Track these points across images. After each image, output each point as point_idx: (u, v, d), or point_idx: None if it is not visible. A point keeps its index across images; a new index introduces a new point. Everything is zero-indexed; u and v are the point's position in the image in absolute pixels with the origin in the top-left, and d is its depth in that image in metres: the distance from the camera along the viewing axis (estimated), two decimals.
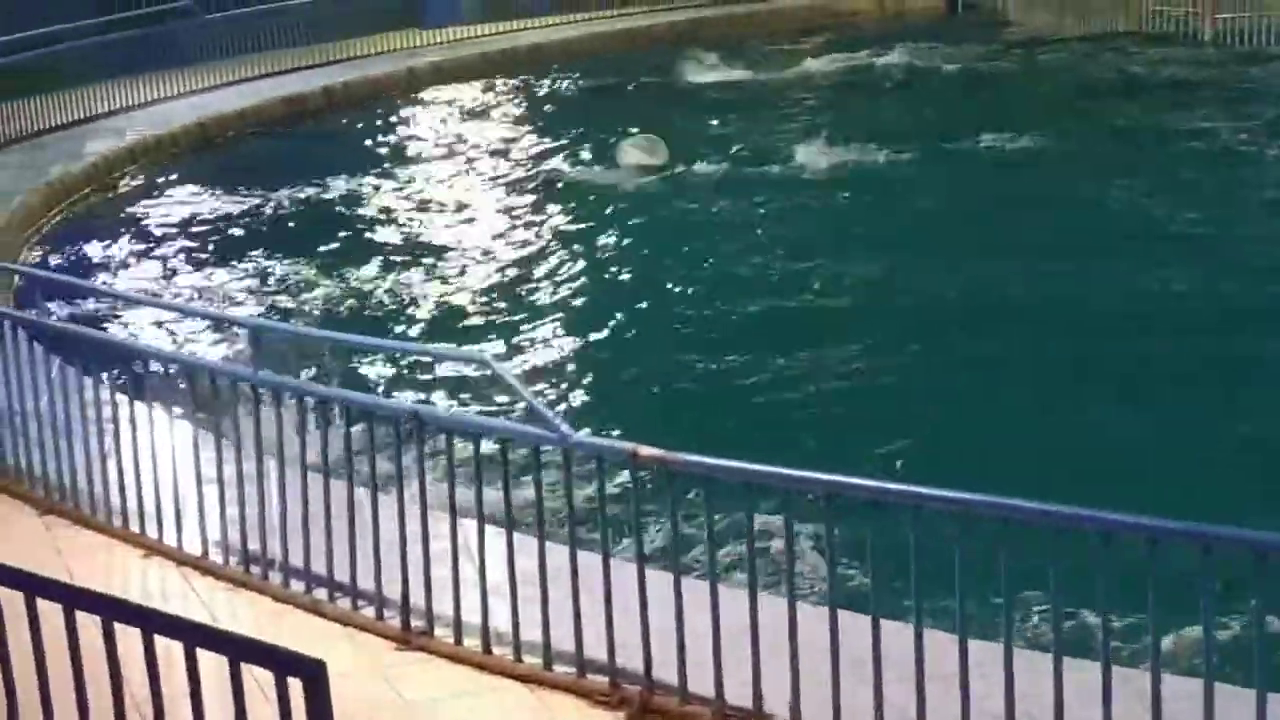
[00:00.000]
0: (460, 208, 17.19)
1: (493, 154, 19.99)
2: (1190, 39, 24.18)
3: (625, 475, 6.10)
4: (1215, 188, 16.21)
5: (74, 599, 4.01)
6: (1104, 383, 11.06)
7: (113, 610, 3.94)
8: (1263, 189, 16.05)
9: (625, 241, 15.22)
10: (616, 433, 10.16)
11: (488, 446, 6.29)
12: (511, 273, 14.48)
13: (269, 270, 14.97)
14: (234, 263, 15.30)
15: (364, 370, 11.46)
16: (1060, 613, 5.03)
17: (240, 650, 3.68)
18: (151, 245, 16.17)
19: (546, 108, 22.75)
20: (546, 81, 24.45)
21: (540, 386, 11.12)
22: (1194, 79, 21.96)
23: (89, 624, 3.98)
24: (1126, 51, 24.19)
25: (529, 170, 18.87)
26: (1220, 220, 14.90)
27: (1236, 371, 11.06)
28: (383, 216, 16.95)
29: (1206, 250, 13.96)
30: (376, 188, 18.34)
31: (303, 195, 18.00)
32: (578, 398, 11.07)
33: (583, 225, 15.99)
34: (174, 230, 16.74)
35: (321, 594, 6.79)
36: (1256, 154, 17.68)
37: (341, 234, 16.23)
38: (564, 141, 20.08)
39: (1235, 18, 23.91)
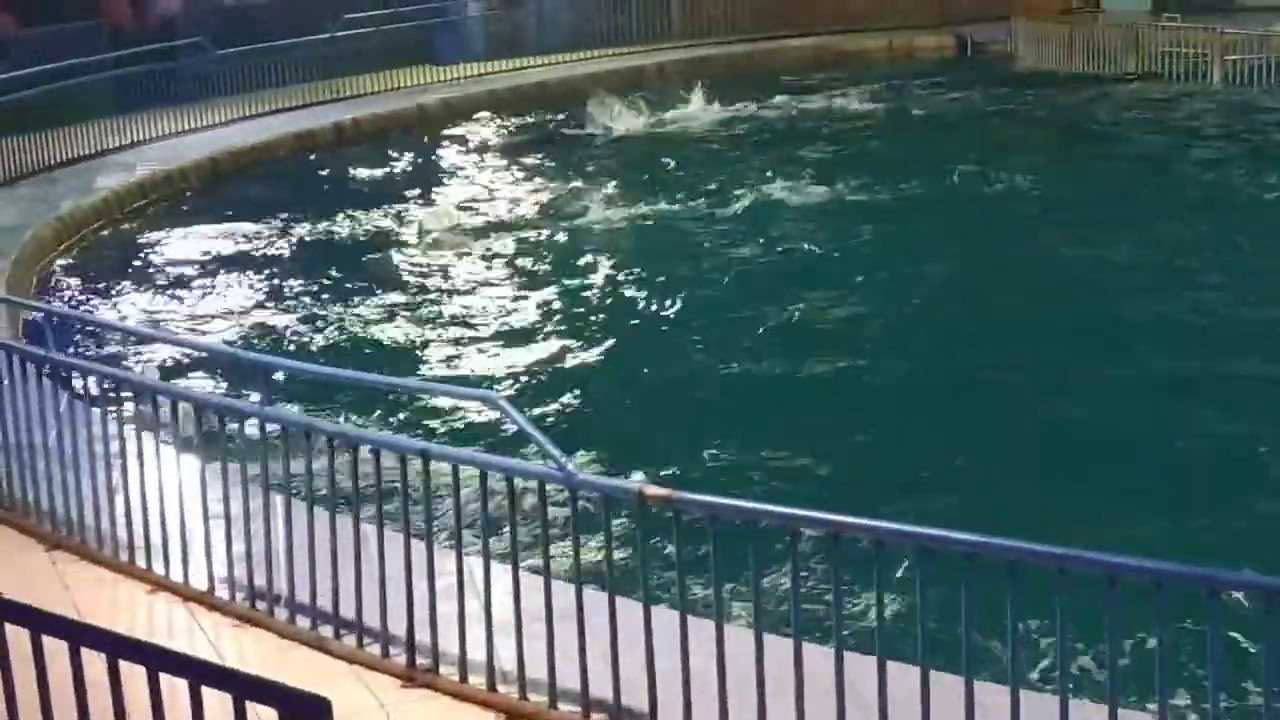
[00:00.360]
0: (466, 244, 17.20)
1: (497, 191, 20.06)
2: (1200, 80, 24.22)
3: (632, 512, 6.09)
4: (1214, 228, 16.22)
5: (79, 636, 4.01)
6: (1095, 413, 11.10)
7: (118, 647, 3.94)
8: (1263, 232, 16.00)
9: (625, 278, 15.22)
10: (609, 458, 10.26)
11: (494, 483, 6.28)
12: (515, 309, 14.49)
13: (278, 306, 15.00)
14: (243, 298, 15.35)
15: (371, 406, 11.47)
16: (1066, 656, 5.01)
17: (245, 688, 3.68)
18: (161, 280, 16.21)
19: (550, 145, 22.81)
20: (551, 119, 24.56)
21: (546, 422, 11.13)
22: (1200, 121, 22.02)
23: (94, 660, 3.98)
24: (1133, 92, 24.27)
25: (532, 206, 18.93)
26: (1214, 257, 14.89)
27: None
28: (391, 252, 16.97)
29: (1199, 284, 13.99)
30: (385, 223, 18.38)
31: (312, 230, 18.06)
32: (583, 434, 11.06)
33: (586, 262, 16.01)
34: (184, 265, 16.78)
35: (327, 631, 6.79)
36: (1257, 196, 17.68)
37: (350, 270, 16.26)
38: (567, 178, 20.17)
39: (1244, 59, 23.95)
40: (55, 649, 4.05)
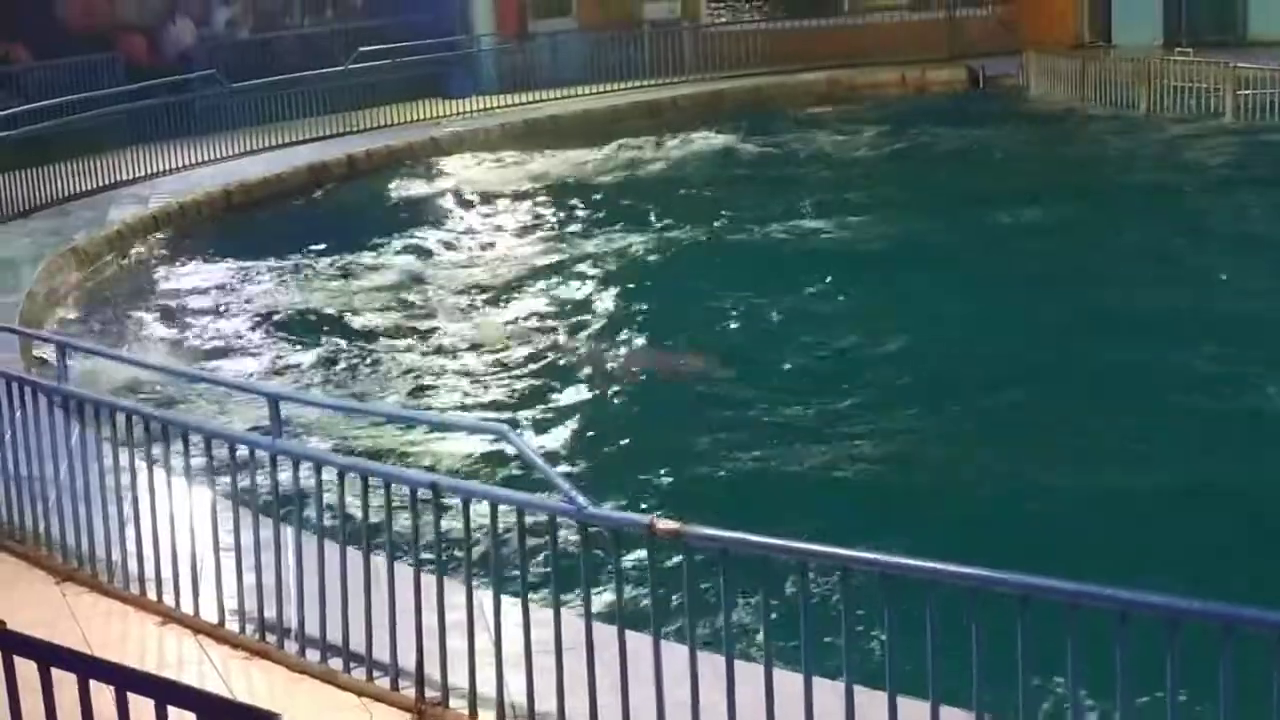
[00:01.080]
0: (476, 277, 17.24)
1: (508, 223, 20.10)
2: (1212, 114, 24.18)
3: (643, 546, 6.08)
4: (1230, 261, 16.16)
5: (88, 668, 4.00)
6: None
7: (126, 680, 3.93)
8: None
9: (634, 312, 15.21)
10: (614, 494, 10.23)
11: (504, 516, 6.27)
12: (525, 342, 14.48)
13: (291, 338, 15.01)
14: (256, 330, 15.36)
15: (381, 438, 11.47)
16: (1077, 693, 4.98)
17: None
18: (173, 312, 16.23)
19: (560, 179, 22.87)
20: (563, 153, 24.64)
21: (557, 456, 11.11)
22: (1212, 155, 22.00)
23: (103, 692, 3.97)
24: (1142, 126, 24.29)
25: (542, 239, 18.96)
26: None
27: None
28: (403, 285, 17.00)
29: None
30: (398, 255, 18.42)
31: (325, 262, 18.08)
32: (594, 467, 11.05)
33: (595, 297, 16.01)
34: (196, 297, 16.81)
35: (336, 663, 6.78)
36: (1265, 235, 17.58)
37: (363, 302, 16.29)
38: (576, 213, 20.24)
39: (1257, 94, 23.89)
40: (64, 681, 4.05)
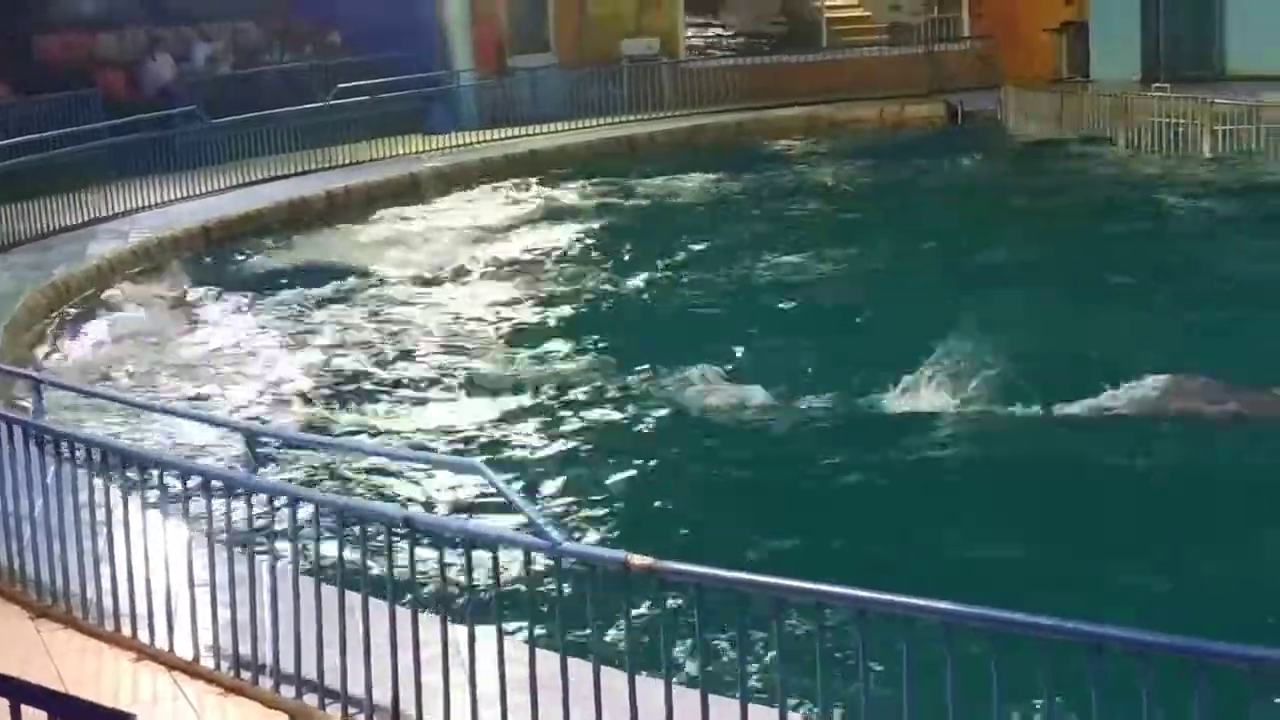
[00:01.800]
0: (456, 311, 17.25)
1: (489, 257, 20.11)
2: (1189, 149, 24.22)
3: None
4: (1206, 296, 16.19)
5: (59, 706, 3.99)
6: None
7: (98, 718, 3.92)
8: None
9: (624, 348, 15.24)
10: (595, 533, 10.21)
11: (479, 552, 6.27)
12: (505, 377, 14.46)
13: (267, 373, 14.99)
14: (234, 366, 15.33)
15: (356, 475, 11.45)
16: None
17: None
18: (151, 347, 16.19)
19: (540, 213, 22.93)
20: (544, 187, 24.73)
21: (531, 490, 11.09)
22: (1191, 191, 22.07)
23: None
24: (1122, 161, 24.39)
25: (524, 273, 19.00)
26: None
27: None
28: (383, 320, 17.01)
29: None
30: (378, 291, 18.43)
31: (304, 298, 18.06)
32: (571, 503, 11.03)
33: (579, 329, 16.02)
34: (174, 333, 16.77)
35: (312, 700, 6.75)
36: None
37: (342, 338, 16.27)
38: (558, 247, 20.30)
39: (1234, 129, 23.96)
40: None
